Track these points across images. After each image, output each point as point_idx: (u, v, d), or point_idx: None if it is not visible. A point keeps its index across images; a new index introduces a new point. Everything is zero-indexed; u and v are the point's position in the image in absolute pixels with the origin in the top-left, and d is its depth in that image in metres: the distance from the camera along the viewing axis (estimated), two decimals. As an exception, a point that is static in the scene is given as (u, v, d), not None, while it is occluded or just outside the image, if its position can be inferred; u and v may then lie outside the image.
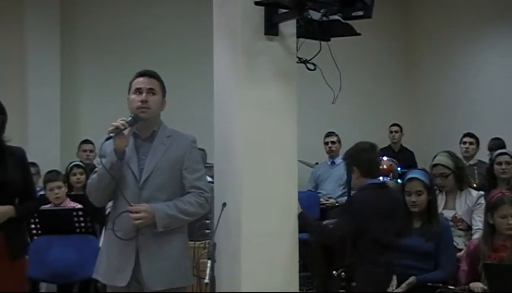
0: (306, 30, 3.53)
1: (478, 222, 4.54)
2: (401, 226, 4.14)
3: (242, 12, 3.46)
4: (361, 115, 9.08)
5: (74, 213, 5.05)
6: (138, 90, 3.38)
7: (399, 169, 6.83)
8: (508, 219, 3.85)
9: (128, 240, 3.29)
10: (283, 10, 3.45)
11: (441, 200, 4.73)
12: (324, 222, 5.18)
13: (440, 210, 4.54)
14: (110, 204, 3.51)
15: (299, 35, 3.59)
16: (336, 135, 7.74)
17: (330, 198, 7.29)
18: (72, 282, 5.14)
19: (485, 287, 3.72)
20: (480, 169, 6.49)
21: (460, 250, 4.49)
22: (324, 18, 3.37)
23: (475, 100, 8.53)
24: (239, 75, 3.50)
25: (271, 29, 3.50)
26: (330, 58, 3.62)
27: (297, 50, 3.61)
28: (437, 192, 4.69)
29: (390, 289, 3.97)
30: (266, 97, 3.52)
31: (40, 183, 5.90)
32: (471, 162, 6.80)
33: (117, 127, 3.23)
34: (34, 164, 5.91)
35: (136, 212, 3.25)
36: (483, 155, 6.96)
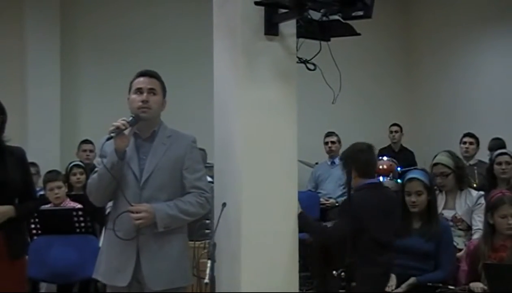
0: (306, 30, 3.53)
1: (478, 222, 4.54)
2: (400, 226, 4.15)
3: (242, 12, 3.46)
4: (361, 115, 9.08)
5: (74, 213, 5.05)
6: (139, 90, 3.38)
7: (399, 169, 6.84)
8: (508, 219, 3.85)
9: (129, 240, 3.29)
10: (283, 10, 3.45)
11: (441, 200, 4.74)
12: (325, 223, 5.19)
13: (440, 210, 4.55)
14: (110, 203, 3.51)
15: (299, 35, 3.59)
16: (336, 135, 7.74)
17: (330, 198, 7.29)
18: (72, 282, 5.14)
19: (485, 287, 3.72)
20: (480, 169, 6.49)
21: (460, 250, 4.49)
22: (324, 18, 3.37)
23: (475, 100, 8.53)
24: (239, 75, 3.50)
25: (271, 29, 3.50)
26: (330, 58, 3.61)
27: (297, 50, 3.61)
28: (437, 192, 4.70)
29: (388, 289, 3.97)
30: (266, 97, 3.52)
31: (40, 183, 5.90)
32: (471, 162, 6.80)
33: (118, 127, 3.23)
34: (34, 164, 5.92)
35: (136, 212, 3.25)
36: (483, 155, 6.96)
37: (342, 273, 3.82)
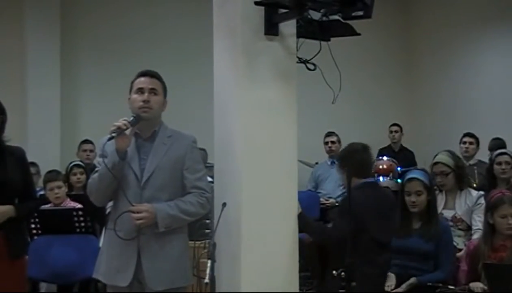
0: (306, 30, 3.53)
1: (478, 222, 4.54)
2: (399, 226, 4.16)
3: (242, 12, 3.46)
4: (361, 115, 9.09)
5: (74, 213, 5.05)
6: (140, 90, 3.38)
7: (399, 169, 6.85)
8: (508, 219, 3.85)
9: (130, 240, 3.29)
10: (283, 10, 3.44)
11: (441, 199, 4.74)
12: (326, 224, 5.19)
13: (440, 209, 4.55)
14: (110, 203, 3.51)
15: (299, 35, 3.59)
16: (336, 135, 7.74)
17: (330, 197, 7.30)
18: (72, 282, 5.14)
19: (485, 287, 3.72)
20: (480, 169, 6.49)
21: (460, 250, 4.49)
22: (324, 18, 3.37)
23: (475, 100, 8.53)
24: (239, 75, 3.50)
25: (271, 29, 3.50)
26: (330, 58, 3.61)
27: (297, 50, 3.61)
28: (437, 192, 4.70)
29: (388, 289, 3.97)
30: (266, 97, 3.52)
31: (40, 183, 5.91)
32: (471, 162, 6.80)
33: (119, 127, 3.23)
34: (34, 164, 5.92)
35: (137, 212, 3.25)
36: (483, 155, 6.96)
37: (342, 273, 3.83)
